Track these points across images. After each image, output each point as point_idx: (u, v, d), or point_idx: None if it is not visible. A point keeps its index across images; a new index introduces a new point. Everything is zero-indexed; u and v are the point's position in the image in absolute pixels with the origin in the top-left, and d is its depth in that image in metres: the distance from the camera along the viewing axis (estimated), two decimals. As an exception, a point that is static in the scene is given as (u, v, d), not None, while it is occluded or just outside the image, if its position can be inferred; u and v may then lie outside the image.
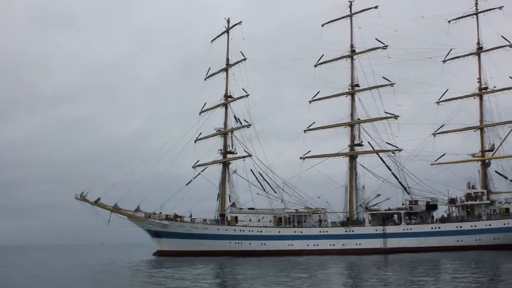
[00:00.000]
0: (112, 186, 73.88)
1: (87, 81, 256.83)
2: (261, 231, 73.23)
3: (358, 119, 78.09)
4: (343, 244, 70.88)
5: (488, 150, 75.25)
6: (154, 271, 46.02)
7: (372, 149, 76.65)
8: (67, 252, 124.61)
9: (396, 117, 74.49)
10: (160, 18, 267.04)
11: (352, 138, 78.16)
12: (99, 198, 73.29)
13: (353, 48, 79.47)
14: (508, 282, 30.00)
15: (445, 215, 73.56)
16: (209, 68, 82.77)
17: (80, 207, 73.85)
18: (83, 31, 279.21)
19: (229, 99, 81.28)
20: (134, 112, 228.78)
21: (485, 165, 75.06)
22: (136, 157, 77.80)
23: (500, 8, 76.37)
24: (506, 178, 72.66)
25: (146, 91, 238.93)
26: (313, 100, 79.37)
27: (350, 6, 79.99)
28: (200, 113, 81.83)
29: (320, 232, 72.59)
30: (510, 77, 73.27)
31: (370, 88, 76.75)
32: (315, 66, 79.58)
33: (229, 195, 77.99)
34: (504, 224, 68.24)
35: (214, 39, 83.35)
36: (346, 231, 72.08)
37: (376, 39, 76.02)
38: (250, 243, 72.58)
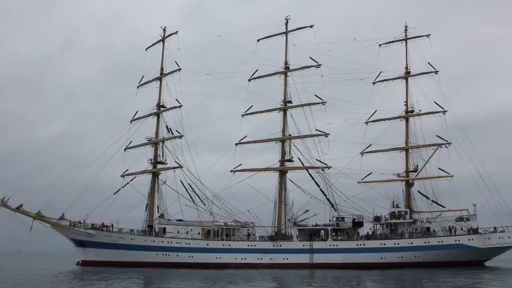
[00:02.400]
0: (35, 192, 71.20)
1: (5, 74, 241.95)
2: (189, 243, 72.53)
3: (290, 135, 79.20)
4: (270, 259, 71.33)
5: (412, 171, 78.13)
6: (76, 283, 44.19)
7: (302, 165, 77.76)
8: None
9: (326, 135, 76.20)
10: (88, 16, 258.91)
11: (283, 153, 79.04)
12: (21, 205, 70.28)
13: (287, 65, 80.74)
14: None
15: (370, 233, 75.51)
16: (143, 76, 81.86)
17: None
18: (8, 21, 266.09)
19: (162, 108, 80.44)
20: (57, 113, 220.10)
21: (409, 185, 77.79)
22: (61, 162, 75.13)
23: (427, 36, 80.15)
24: (428, 198, 75.49)
25: (71, 91, 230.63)
26: (246, 114, 79.80)
27: (286, 24, 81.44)
28: (131, 121, 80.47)
29: (248, 246, 72.73)
30: (435, 102, 76.81)
31: (302, 105, 77.98)
32: (249, 80, 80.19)
33: (158, 206, 76.96)
34: (425, 242, 70.99)
35: (149, 47, 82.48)
36: (274, 246, 72.56)
37: (310, 57, 77.76)
38: (177, 255, 71.70)
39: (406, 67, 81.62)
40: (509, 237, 70.83)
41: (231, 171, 77.62)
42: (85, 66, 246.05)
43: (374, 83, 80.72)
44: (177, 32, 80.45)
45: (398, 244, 71.34)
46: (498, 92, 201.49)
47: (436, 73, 78.69)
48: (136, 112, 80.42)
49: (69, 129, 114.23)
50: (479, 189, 71.54)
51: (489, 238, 70.57)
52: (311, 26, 78.96)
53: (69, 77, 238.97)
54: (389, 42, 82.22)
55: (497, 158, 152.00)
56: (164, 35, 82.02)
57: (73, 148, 78.27)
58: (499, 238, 70.85)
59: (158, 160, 79.04)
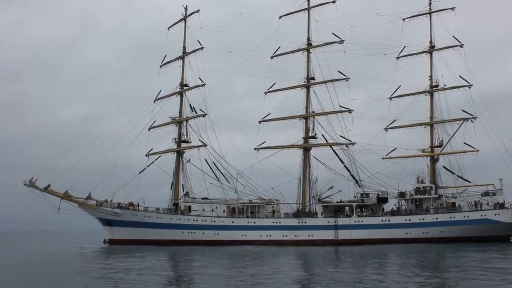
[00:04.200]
0: (62, 173, 72.29)
1: (27, 58, 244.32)
2: (214, 221, 73.25)
3: (313, 111, 78.97)
4: (295, 235, 71.77)
5: (437, 146, 77.64)
6: (107, 261, 44.94)
7: (326, 142, 77.70)
8: (8, 237, 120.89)
9: (350, 111, 75.89)
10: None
11: (307, 130, 78.97)
12: (49, 185, 71.31)
13: (310, 42, 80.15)
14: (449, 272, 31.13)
15: (395, 208, 75.54)
16: (165, 56, 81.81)
17: (21, 192, 71.78)
18: (26, 5, 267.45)
19: (185, 87, 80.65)
20: (78, 95, 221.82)
21: (434, 160, 77.42)
22: (87, 143, 76.09)
23: (452, 9, 78.87)
24: (453, 173, 75.15)
25: (91, 73, 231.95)
26: (269, 92, 79.68)
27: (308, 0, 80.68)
28: (154, 101, 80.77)
29: (273, 223, 73.24)
30: (460, 76, 75.95)
31: (325, 82, 77.63)
32: (272, 57, 79.79)
33: (183, 185, 77.64)
34: (450, 217, 70.82)
35: (171, 26, 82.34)
36: (298, 222, 72.98)
37: (332, 33, 77.03)
38: (203, 233, 72.50)
39: (431, 41, 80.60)
40: (536, 212, 70.22)
41: (255, 148, 77.83)
42: (104, 47, 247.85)
43: (398, 58, 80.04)
44: (198, 10, 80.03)
45: (423, 219, 71.22)
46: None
47: (461, 47, 77.75)
48: (159, 92, 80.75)
49: (92, 111, 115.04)
50: (506, 163, 71.08)
51: (516, 213, 70.03)
52: (333, 1, 78.28)
53: (89, 59, 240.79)
54: (413, 16, 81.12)
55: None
56: (185, 14, 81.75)
57: (97, 129, 79.21)
58: (526, 212, 70.26)
59: (182, 139, 79.52)
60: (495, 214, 70.04)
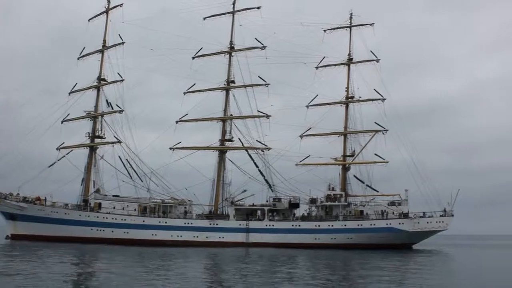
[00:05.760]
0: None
1: None
2: (125, 219, 71.86)
3: (231, 115, 79.33)
4: (206, 237, 71.65)
5: (349, 156, 79.76)
6: (4, 258, 42.83)
7: (242, 146, 78.23)
8: None
9: (267, 116, 76.77)
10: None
11: (223, 133, 79.17)
12: (-52, 175, 67.79)
13: (232, 45, 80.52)
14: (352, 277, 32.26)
15: (306, 214, 76.97)
16: (84, 48, 79.67)
17: None
18: None
19: (102, 82, 78.83)
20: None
21: (345, 169, 79.53)
22: (-5, 131, 72.77)
23: (371, 24, 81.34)
24: (363, 182, 77.49)
25: (5, 60, 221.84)
26: (188, 92, 79.33)
27: (234, 3, 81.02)
28: (69, 93, 78.50)
29: (184, 223, 72.79)
30: (375, 90, 78.47)
31: (245, 86, 78.18)
32: (193, 58, 79.52)
33: (94, 181, 75.80)
34: (358, 225, 73.03)
35: (92, 18, 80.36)
36: (210, 224, 72.92)
37: (255, 38, 77.70)
38: (112, 231, 70.96)
39: (349, 54, 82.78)
40: (436, 222, 73.78)
41: (171, 148, 77.21)
42: (22, 36, 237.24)
43: (317, 67, 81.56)
44: (122, 4, 78.58)
45: (332, 226, 73.01)
46: (433, 83, 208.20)
47: (378, 61, 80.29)
48: (75, 85, 78.55)
49: (4, 101, 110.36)
50: (412, 175, 73.97)
51: (418, 223, 73.18)
52: (258, 8, 78.91)
53: (5, 45, 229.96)
54: (334, 29, 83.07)
55: (430, 147, 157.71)
56: (108, 6, 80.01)
57: (7, 119, 76.03)
58: (427, 222, 73.62)
59: (96, 134, 77.68)
60: (400, 223, 72.90)
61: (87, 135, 77.61)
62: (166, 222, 72.54)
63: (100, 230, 71.19)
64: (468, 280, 30.73)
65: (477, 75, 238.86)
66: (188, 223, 72.97)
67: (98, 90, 79.04)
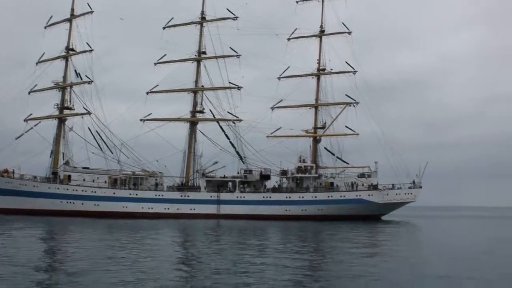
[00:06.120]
0: None
1: None
2: (95, 192, 71.40)
3: (202, 86, 78.74)
4: (177, 209, 71.70)
5: (320, 128, 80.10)
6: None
7: (213, 117, 78.07)
8: None
9: (239, 88, 76.55)
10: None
11: (195, 104, 78.68)
12: None
13: (204, 15, 79.43)
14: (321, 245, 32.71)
15: (277, 186, 77.47)
16: (51, 16, 77.77)
17: None
18: None
19: (71, 52, 77.21)
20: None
21: (316, 141, 79.99)
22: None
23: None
24: (333, 154, 78.09)
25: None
26: (159, 63, 78.39)
27: (205, -27, 79.74)
28: (37, 63, 76.71)
29: (155, 195, 72.70)
30: (346, 62, 78.58)
31: (216, 57, 77.44)
32: (164, 28, 78.38)
33: (63, 153, 74.92)
34: (328, 196, 73.91)
35: (59, -14, 78.37)
36: (181, 196, 72.97)
37: (227, 9, 76.83)
38: (82, 203, 70.44)
39: (321, 26, 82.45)
40: (405, 194, 75.22)
41: (141, 120, 76.46)
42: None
43: (289, 39, 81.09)
44: (89, -28, 76.66)
45: (302, 197, 73.74)
46: (405, 56, 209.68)
47: (350, 34, 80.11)
48: (43, 54, 76.76)
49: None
50: (382, 147, 75.04)
51: (387, 194, 74.50)
52: (230, -22, 77.78)
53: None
54: (306, 0, 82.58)
55: (400, 119, 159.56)
56: (75, -26, 77.99)
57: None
58: (396, 194, 75.02)
59: (65, 105, 76.46)
60: (369, 195, 74.05)
61: (56, 106, 76.28)
62: (137, 194, 72.34)
63: (70, 202, 70.60)
64: (434, 250, 31.38)
65: (448, 50, 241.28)
66: (159, 195, 72.86)
67: (67, 60, 77.49)
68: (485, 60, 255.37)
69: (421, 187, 75.80)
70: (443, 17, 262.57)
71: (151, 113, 76.85)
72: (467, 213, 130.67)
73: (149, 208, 71.50)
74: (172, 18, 78.02)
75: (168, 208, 71.81)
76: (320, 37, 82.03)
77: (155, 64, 78.29)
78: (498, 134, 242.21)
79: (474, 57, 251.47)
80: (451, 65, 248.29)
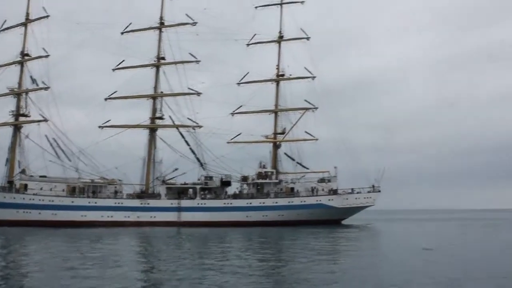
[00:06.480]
0: None
1: None
2: (52, 200, 69.95)
3: (161, 92, 78.22)
4: (138, 217, 70.97)
5: (280, 133, 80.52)
6: None
7: (172, 124, 77.55)
8: None
9: (198, 94, 76.29)
10: None
11: (154, 110, 78.07)
12: None
13: (162, 21, 79.00)
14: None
15: (237, 192, 77.44)
16: (5, 21, 75.83)
17: None
18: None
19: (26, 57, 75.56)
20: None
21: (276, 146, 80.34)
22: None
23: (301, 2, 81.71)
24: (293, 160, 78.63)
25: None
26: (117, 69, 77.49)
27: (164, -22, 79.29)
28: (-11, 70, 74.82)
29: (115, 203, 71.75)
30: (305, 68, 79.20)
31: (175, 63, 77.17)
32: (122, 33, 77.61)
33: (19, 161, 73.03)
34: (289, 202, 74.33)
35: (13, -10, 76.68)
36: (141, 204, 72.25)
37: (186, 14, 76.61)
38: (40, 213, 68.83)
39: (280, 31, 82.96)
40: (364, 198, 76.27)
41: (99, 126, 75.50)
42: None
43: (248, 44, 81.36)
44: (45, -24, 75.27)
45: (263, 203, 73.91)
46: (361, 61, 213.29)
47: (308, 39, 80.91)
48: (-4, 60, 74.92)
49: None
50: (341, 152, 75.98)
51: (347, 199, 75.43)
52: (188, -17, 77.69)
53: None
54: (265, 5, 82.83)
55: (358, 124, 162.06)
56: (31, -22, 76.42)
57: None
58: (356, 198, 76.04)
59: (21, 112, 74.67)
60: (329, 200, 74.74)
61: (11, 113, 74.51)
62: (96, 203, 71.26)
63: (27, 212, 68.89)
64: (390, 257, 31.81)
65: (402, 54, 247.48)
66: (119, 203, 71.96)
67: (22, 66, 75.76)
68: (437, 65, 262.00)
69: (379, 191, 76.91)
70: (398, 23, 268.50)
71: (109, 120, 76.14)
72: (423, 217, 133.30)
73: (108, 216, 70.49)
74: (131, 23, 77.38)
75: (129, 216, 70.97)
76: (279, 43, 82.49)
77: (113, 70, 77.38)
78: (450, 138, 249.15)
79: (425, 62, 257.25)
80: (405, 69, 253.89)
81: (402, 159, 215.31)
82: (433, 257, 29.88)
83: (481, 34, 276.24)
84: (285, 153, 79.69)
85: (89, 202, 71.16)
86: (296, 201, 74.59)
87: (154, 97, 78.07)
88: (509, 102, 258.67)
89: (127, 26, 77.37)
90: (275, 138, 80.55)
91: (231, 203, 73.65)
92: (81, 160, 72.21)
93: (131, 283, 20.13)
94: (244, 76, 79.93)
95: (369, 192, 76.48)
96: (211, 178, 75.87)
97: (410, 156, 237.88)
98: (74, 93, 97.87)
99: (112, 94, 76.47)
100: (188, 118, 76.11)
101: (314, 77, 79.26)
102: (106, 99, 76.60)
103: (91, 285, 19.42)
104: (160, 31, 78.77)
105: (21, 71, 75.74)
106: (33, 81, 74.74)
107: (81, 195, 72.15)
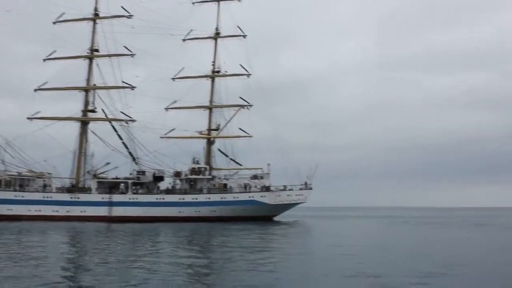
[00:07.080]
0: None
1: None
2: (-24, 194, 67.57)
3: (94, 84, 76.84)
4: (67, 211, 69.53)
5: (214, 129, 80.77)
6: None
7: (105, 117, 76.34)
8: None
9: (132, 87, 75.48)
10: None
11: (86, 103, 76.64)
12: None
13: (97, 12, 77.56)
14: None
15: (170, 187, 77.14)
16: None
17: None
18: None
19: (-49, 44, 72.64)
20: None
21: (210, 143, 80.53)
22: None
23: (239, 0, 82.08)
24: (227, 156, 79.22)
25: None
26: (48, 59, 75.60)
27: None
28: None
29: (43, 197, 70.06)
30: (240, 65, 79.71)
31: (109, 56, 75.94)
32: (54, 23, 75.77)
33: None
34: (221, 198, 74.72)
35: None
36: (71, 198, 70.86)
37: (122, 7, 75.42)
38: None
39: (217, 28, 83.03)
40: (296, 195, 77.65)
41: (28, 118, 73.46)
42: None
43: (184, 40, 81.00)
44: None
45: (196, 199, 73.97)
46: (296, 60, 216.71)
47: (244, 37, 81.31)
48: None
49: None
50: (274, 149, 76.87)
51: (279, 196, 76.52)
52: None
53: None
54: (203, 2, 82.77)
55: (291, 121, 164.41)
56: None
57: None
58: (288, 195, 77.27)
59: None
60: (261, 196, 75.65)
61: None
62: (23, 196, 69.29)
63: None
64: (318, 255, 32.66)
65: (338, 55, 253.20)
66: (47, 197, 70.31)
67: None
68: (371, 67, 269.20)
69: (311, 188, 78.48)
70: (334, 25, 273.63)
71: (39, 111, 74.10)
72: (352, 213, 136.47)
73: (36, 210, 68.72)
74: (64, 13, 75.57)
75: (57, 211, 69.41)
76: (216, 39, 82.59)
77: (44, 60, 75.52)
78: (384, 138, 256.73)
79: (360, 63, 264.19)
80: (339, 70, 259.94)
81: (336, 157, 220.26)
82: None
83: (419, 40, 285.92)
84: (219, 149, 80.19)
85: (15, 196, 69.12)
86: (229, 197, 75.06)
87: (86, 90, 76.64)
88: (440, 106, 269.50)
89: (60, 16, 75.82)
90: (209, 134, 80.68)
91: (163, 198, 73.26)
92: (8, 152, 70.21)
93: (54, 279, 19.78)
94: (179, 72, 79.71)
95: (301, 189, 77.89)
96: (143, 173, 75.23)
97: (344, 154, 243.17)
98: (2, 83, 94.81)
99: (43, 85, 74.49)
100: (122, 112, 75.31)
101: (250, 74, 79.91)
102: (36, 90, 74.53)
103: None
104: (95, 23, 77.31)
105: None
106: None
107: (7, 189, 69.94)
